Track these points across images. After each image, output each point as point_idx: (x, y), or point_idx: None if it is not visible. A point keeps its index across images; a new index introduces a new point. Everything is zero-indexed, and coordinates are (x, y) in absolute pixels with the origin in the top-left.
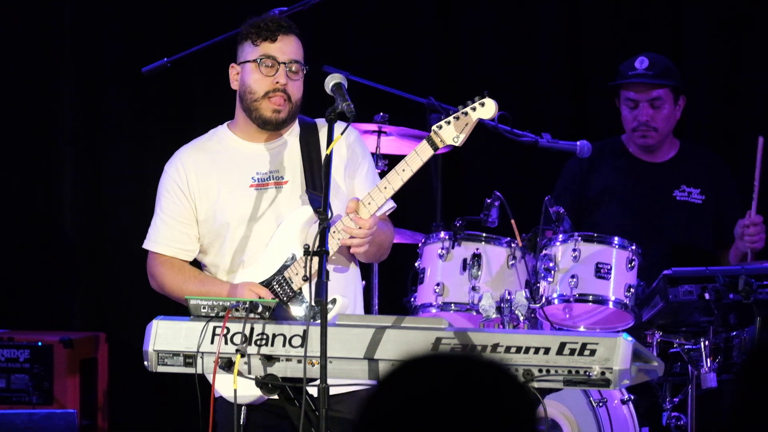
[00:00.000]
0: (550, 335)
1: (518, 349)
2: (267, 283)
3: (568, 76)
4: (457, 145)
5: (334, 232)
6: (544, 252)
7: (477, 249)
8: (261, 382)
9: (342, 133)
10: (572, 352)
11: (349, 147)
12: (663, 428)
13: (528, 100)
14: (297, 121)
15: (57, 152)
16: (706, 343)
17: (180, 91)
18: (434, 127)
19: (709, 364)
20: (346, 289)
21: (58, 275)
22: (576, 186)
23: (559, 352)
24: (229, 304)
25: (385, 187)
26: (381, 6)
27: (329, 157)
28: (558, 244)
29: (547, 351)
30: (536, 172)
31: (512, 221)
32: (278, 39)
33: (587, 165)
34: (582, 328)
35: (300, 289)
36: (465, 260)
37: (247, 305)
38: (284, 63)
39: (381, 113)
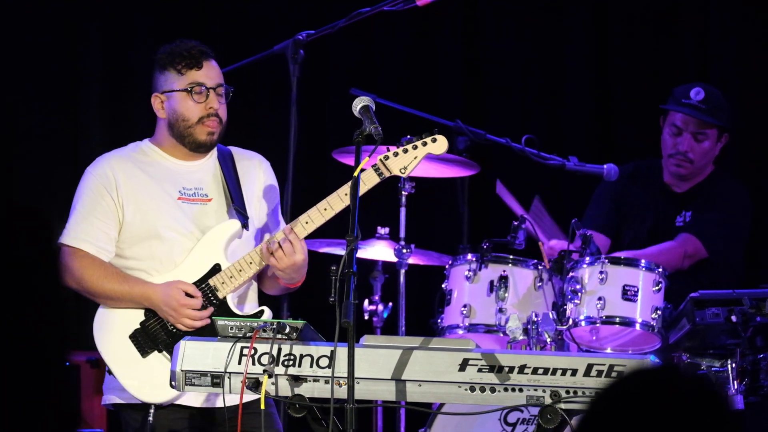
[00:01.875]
0: (578, 357)
1: (546, 371)
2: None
3: (595, 100)
4: (402, 176)
5: (260, 247)
6: (570, 274)
7: (504, 271)
8: (289, 403)
9: (370, 156)
10: (599, 373)
11: (264, 181)
12: None
13: (555, 123)
14: (216, 149)
15: (84, 160)
16: (733, 365)
17: None
18: (381, 157)
19: (735, 387)
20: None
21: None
22: (608, 206)
23: (587, 373)
24: (256, 324)
25: (325, 209)
26: (408, 29)
27: (357, 179)
28: (585, 266)
29: (574, 372)
30: (563, 196)
31: (540, 244)
32: (203, 66)
33: (620, 186)
34: (609, 350)
35: (224, 298)
36: (492, 282)
37: (274, 326)
38: (212, 88)
39: (408, 136)
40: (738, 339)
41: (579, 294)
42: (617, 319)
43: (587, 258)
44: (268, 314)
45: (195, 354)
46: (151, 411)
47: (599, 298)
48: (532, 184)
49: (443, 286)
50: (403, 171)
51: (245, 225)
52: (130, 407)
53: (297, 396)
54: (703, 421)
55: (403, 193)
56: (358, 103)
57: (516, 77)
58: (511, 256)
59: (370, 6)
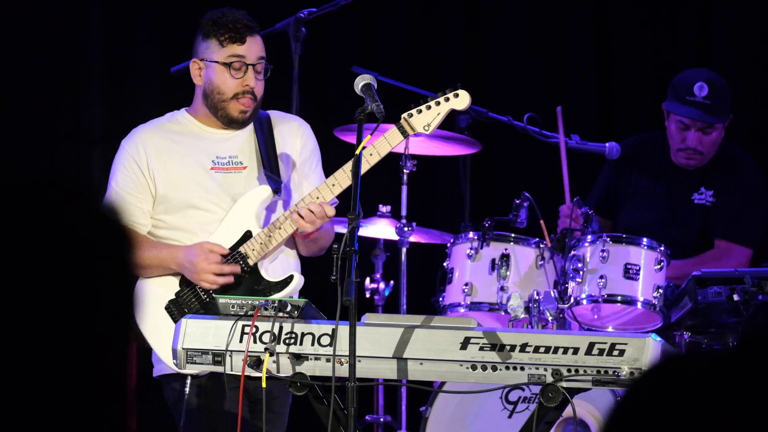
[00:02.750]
0: (579, 335)
1: (547, 349)
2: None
3: (597, 78)
4: (426, 133)
5: (288, 213)
6: (572, 252)
7: (506, 249)
8: (290, 381)
9: (372, 134)
10: (601, 352)
11: (303, 143)
12: None
13: (556, 101)
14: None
15: (86, 152)
16: (735, 344)
17: None
18: (404, 115)
19: None
20: (296, 268)
21: None
22: (611, 184)
23: (588, 352)
24: (258, 303)
25: (333, 184)
26: (409, 6)
27: (359, 157)
28: (586, 244)
29: (576, 351)
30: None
31: (541, 222)
32: (246, 40)
33: (618, 170)
34: (610, 329)
35: (255, 264)
36: (494, 260)
37: (276, 304)
38: (252, 64)
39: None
40: (740, 317)
41: (580, 272)
42: (619, 297)
43: (589, 236)
44: (297, 280)
45: (196, 332)
46: (188, 381)
47: (601, 277)
48: (534, 162)
49: (444, 264)
50: (426, 128)
51: (276, 190)
52: (170, 377)
53: (298, 374)
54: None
55: (404, 171)
56: (360, 81)
57: (518, 55)
58: (512, 235)
59: None
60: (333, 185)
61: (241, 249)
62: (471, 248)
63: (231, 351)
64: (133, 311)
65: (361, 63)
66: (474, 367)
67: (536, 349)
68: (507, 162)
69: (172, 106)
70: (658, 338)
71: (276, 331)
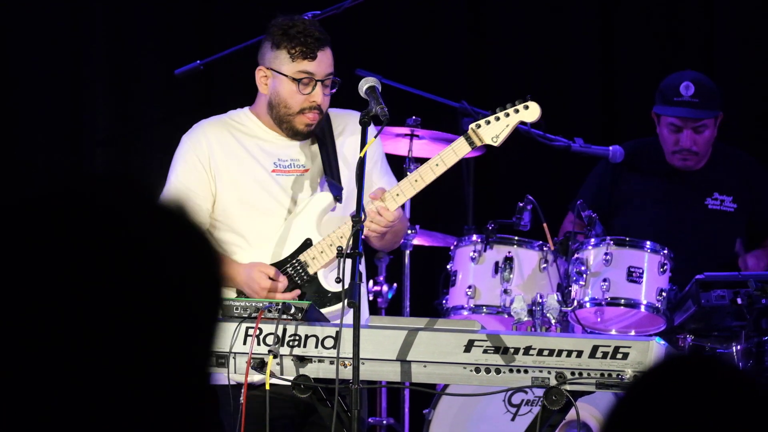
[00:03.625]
0: (583, 338)
1: (551, 352)
2: (281, 265)
3: (600, 81)
4: (495, 145)
5: (344, 228)
6: (576, 255)
7: (509, 252)
8: (293, 383)
9: (375, 137)
10: (605, 355)
11: (377, 147)
12: None
13: (560, 104)
14: None
15: (88, 154)
16: (738, 347)
17: (212, 94)
18: (472, 126)
19: None
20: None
21: None
22: (606, 186)
23: (592, 355)
24: (261, 305)
25: (416, 180)
26: (413, 10)
27: (363, 160)
28: (590, 247)
29: (579, 354)
30: (568, 177)
31: (544, 225)
32: (317, 56)
33: (613, 173)
34: (613, 332)
35: (315, 273)
36: (497, 263)
37: (279, 306)
38: (321, 80)
39: (414, 117)
40: (743, 321)
41: (584, 275)
42: (622, 300)
43: (592, 239)
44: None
45: None
46: (242, 391)
47: (604, 280)
48: (537, 165)
49: (448, 267)
50: (494, 140)
51: (338, 197)
52: (225, 387)
53: (302, 377)
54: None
55: (408, 173)
56: (364, 84)
57: (522, 58)
58: (516, 237)
59: None
60: (416, 180)
61: (301, 257)
62: (474, 251)
63: (234, 353)
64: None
65: (365, 65)
66: (477, 370)
67: (540, 352)
68: (510, 165)
69: (175, 108)
70: (662, 341)
71: (280, 333)
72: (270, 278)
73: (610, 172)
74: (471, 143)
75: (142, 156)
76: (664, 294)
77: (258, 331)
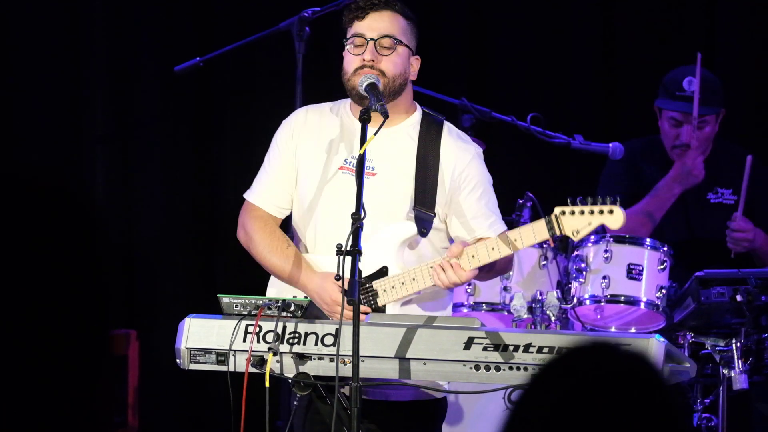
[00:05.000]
0: (583, 335)
1: (551, 350)
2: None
3: (601, 78)
4: (573, 239)
5: (427, 267)
6: (575, 253)
7: None
8: (293, 381)
9: (375, 134)
10: None
11: (465, 166)
12: (694, 429)
13: (560, 101)
14: (421, 115)
15: (89, 150)
16: (738, 344)
17: (212, 91)
18: (557, 211)
19: (740, 366)
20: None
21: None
22: (623, 183)
23: None
24: (261, 302)
25: (493, 249)
26: (414, 6)
27: (362, 157)
28: (590, 245)
29: None
30: (568, 174)
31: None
32: (368, 16)
33: (625, 168)
34: (613, 329)
35: (383, 306)
36: None
37: (279, 304)
38: (373, 39)
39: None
40: (743, 318)
41: (584, 273)
42: (622, 298)
43: (592, 237)
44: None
45: (200, 331)
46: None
47: (604, 277)
48: (537, 161)
49: None
50: (575, 234)
51: (423, 232)
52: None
53: (302, 374)
54: (641, 398)
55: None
56: (364, 81)
57: (522, 55)
58: None
59: None
60: (493, 249)
61: (374, 284)
62: None
63: (234, 350)
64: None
65: None
66: (477, 368)
67: (540, 350)
68: (510, 162)
69: (175, 105)
70: (662, 339)
71: (279, 330)
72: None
73: (623, 172)
74: (551, 231)
75: (141, 153)
76: (663, 291)
77: (258, 329)
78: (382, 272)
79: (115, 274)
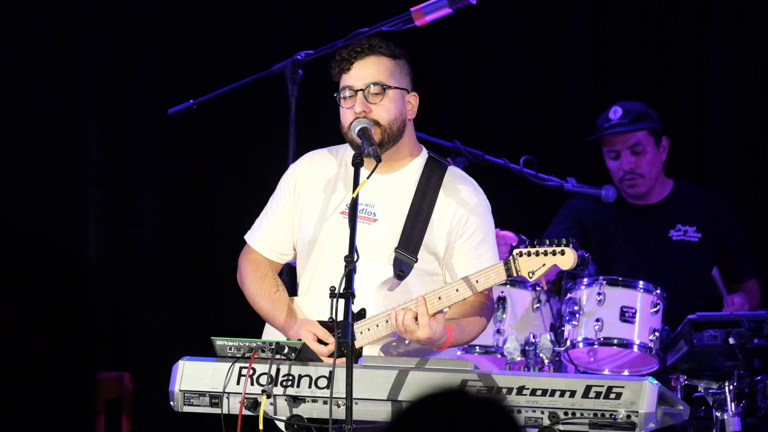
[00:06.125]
0: (576, 378)
1: (544, 392)
2: (331, 328)
3: (593, 121)
4: (529, 281)
5: (392, 314)
6: (568, 295)
7: (502, 292)
8: (287, 423)
9: (368, 177)
10: (598, 395)
11: (466, 213)
12: None
13: (553, 143)
14: (425, 159)
15: (82, 192)
16: (731, 387)
17: (205, 134)
18: (515, 252)
19: (733, 409)
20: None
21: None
22: (577, 227)
23: (585, 395)
24: (255, 345)
25: (457, 290)
26: (406, 49)
27: (355, 201)
28: (583, 287)
29: (572, 394)
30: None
31: None
32: (353, 66)
33: (586, 213)
34: (606, 372)
35: (361, 348)
36: None
37: (273, 346)
38: (360, 90)
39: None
40: (735, 361)
41: (577, 315)
42: (615, 340)
43: (585, 279)
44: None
45: (193, 374)
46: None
47: (597, 320)
48: (530, 204)
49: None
50: (531, 275)
51: (400, 275)
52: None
53: (295, 416)
54: None
55: None
56: (357, 125)
57: (515, 97)
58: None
59: (368, 26)
60: (457, 290)
61: (354, 327)
62: None
63: (228, 393)
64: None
65: None
66: None
67: (533, 392)
68: (503, 205)
69: (169, 147)
70: (655, 381)
71: (273, 373)
72: (319, 339)
73: (572, 211)
74: (509, 271)
75: (135, 194)
76: (656, 334)
77: (251, 371)
78: (361, 314)
79: (105, 317)
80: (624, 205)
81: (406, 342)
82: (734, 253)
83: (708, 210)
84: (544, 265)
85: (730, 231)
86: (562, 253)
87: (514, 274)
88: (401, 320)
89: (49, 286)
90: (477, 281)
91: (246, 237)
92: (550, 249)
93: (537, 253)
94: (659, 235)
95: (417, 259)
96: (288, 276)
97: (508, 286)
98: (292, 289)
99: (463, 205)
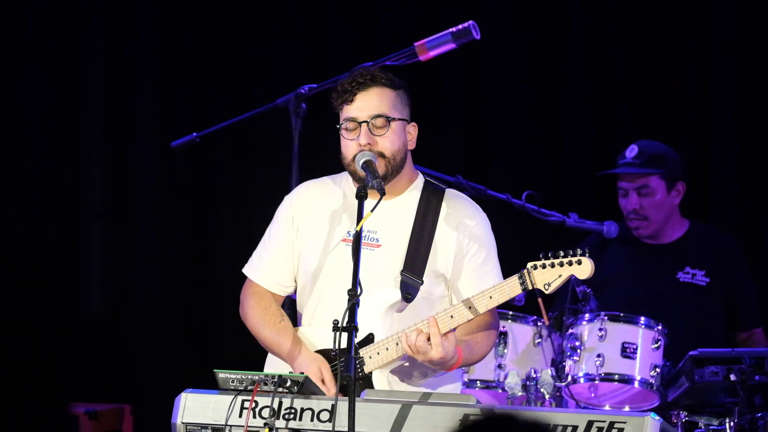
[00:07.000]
0: (578, 413)
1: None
2: (336, 356)
3: (595, 157)
4: (545, 292)
5: (402, 336)
6: (570, 331)
7: (503, 327)
8: None
9: (372, 210)
10: (600, 430)
11: (469, 233)
12: None
13: (555, 179)
14: (423, 184)
15: (84, 226)
16: (732, 424)
17: (208, 167)
18: (530, 266)
19: None
20: (431, 382)
21: (83, 347)
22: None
23: (587, 430)
24: (257, 377)
25: (470, 307)
26: (409, 84)
27: (359, 234)
28: (584, 323)
29: (574, 429)
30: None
31: (539, 300)
32: (356, 98)
33: (597, 248)
34: (607, 407)
35: (370, 373)
36: None
37: (275, 379)
38: (365, 122)
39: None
40: (736, 398)
41: (578, 351)
42: (616, 376)
43: (586, 315)
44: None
45: (196, 406)
46: None
47: (598, 355)
48: (532, 239)
49: None
50: (546, 287)
51: (408, 297)
52: None
53: None
54: None
55: None
56: (361, 158)
57: (517, 132)
58: (510, 312)
59: (372, 61)
60: (470, 307)
61: (361, 352)
62: None
63: (230, 426)
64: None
65: None
66: None
67: None
68: (505, 240)
69: (172, 180)
70: (657, 417)
71: (276, 406)
72: (322, 381)
73: (596, 248)
74: (523, 284)
75: (137, 226)
76: (657, 370)
77: (254, 404)
78: (369, 339)
79: (107, 349)
80: (635, 243)
81: (416, 366)
82: (742, 302)
83: (720, 256)
84: (560, 276)
85: (739, 280)
86: (579, 262)
87: (530, 287)
88: (413, 341)
89: (31, 317)
90: (491, 297)
91: (245, 271)
92: (566, 259)
93: (552, 265)
94: (667, 276)
95: (423, 282)
96: (290, 309)
97: (510, 321)
98: (294, 321)
99: (465, 225)
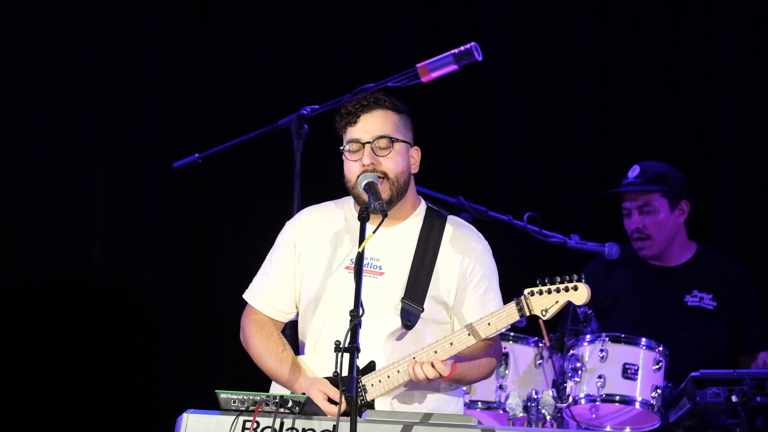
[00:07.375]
0: None
1: None
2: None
3: (597, 178)
4: (543, 318)
5: (403, 363)
6: (571, 352)
7: (505, 348)
8: None
9: (374, 232)
10: None
11: (472, 261)
12: None
13: (557, 200)
14: (425, 210)
15: (86, 248)
16: None
17: (210, 188)
18: (527, 292)
19: None
20: (436, 404)
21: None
22: (601, 283)
23: None
24: (259, 398)
25: (469, 334)
26: (411, 105)
27: (361, 255)
28: (585, 344)
29: None
30: (565, 274)
31: (540, 321)
32: (360, 119)
33: (604, 270)
34: (608, 429)
35: (373, 401)
36: None
37: (277, 399)
38: (368, 143)
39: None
40: (738, 419)
41: (579, 372)
42: (617, 397)
43: (588, 336)
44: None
45: (197, 427)
46: None
47: (599, 376)
48: (533, 260)
49: None
50: (543, 313)
51: (408, 325)
52: None
53: None
54: None
55: None
56: (363, 180)
57: (519, 154)
58: (512, 334)
59: (374, 82)
60: (468, 334)
61: (364, 379)
62: None
63: None
64: None
65: None
66: None
67: None
68: (506, 261)
69: (173, 201)
70: None
71: (277, 426)
72: (330, 399)
73: (603, 270)
74: (521, 310)
75: (139, 247)
76: (658, 391)
77: (255, 425)
78: (370, 367)
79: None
80: (643, 265)
81: (418, 388)
82: (747, 328)
83: (728, 280)
84: (557, 302)
85: (746, 306)
86: (575, 288)
87: (527, 314)
88: (423, 377)
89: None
90: (489, 323)
91: (246, 297)
92: (562, 285)
93: (549, 291)
94: (675, 300)
95: (423, 309)
96: (291, 330)
97: (511, 342)
98: (295, 344)
99: (468, 253)
